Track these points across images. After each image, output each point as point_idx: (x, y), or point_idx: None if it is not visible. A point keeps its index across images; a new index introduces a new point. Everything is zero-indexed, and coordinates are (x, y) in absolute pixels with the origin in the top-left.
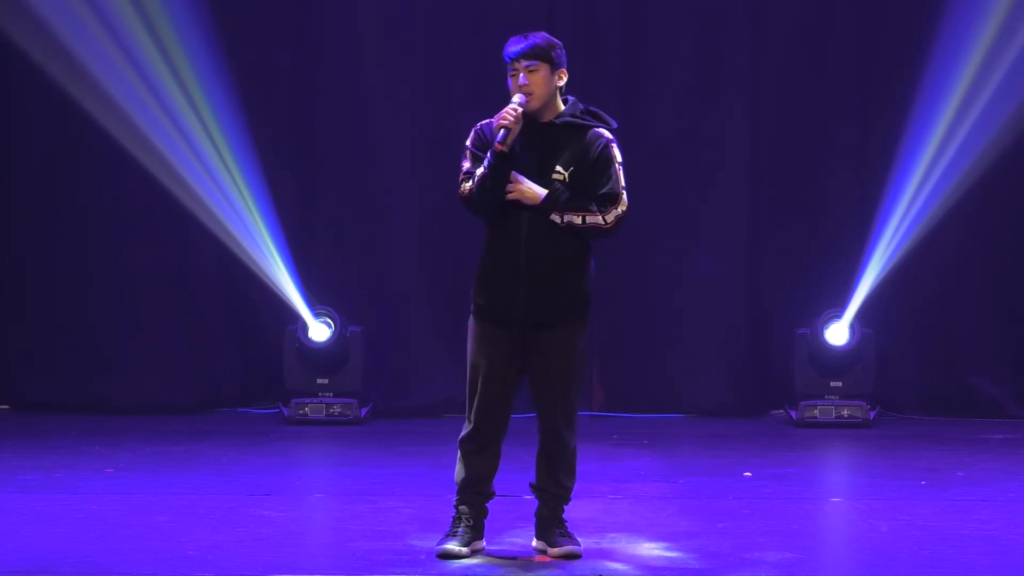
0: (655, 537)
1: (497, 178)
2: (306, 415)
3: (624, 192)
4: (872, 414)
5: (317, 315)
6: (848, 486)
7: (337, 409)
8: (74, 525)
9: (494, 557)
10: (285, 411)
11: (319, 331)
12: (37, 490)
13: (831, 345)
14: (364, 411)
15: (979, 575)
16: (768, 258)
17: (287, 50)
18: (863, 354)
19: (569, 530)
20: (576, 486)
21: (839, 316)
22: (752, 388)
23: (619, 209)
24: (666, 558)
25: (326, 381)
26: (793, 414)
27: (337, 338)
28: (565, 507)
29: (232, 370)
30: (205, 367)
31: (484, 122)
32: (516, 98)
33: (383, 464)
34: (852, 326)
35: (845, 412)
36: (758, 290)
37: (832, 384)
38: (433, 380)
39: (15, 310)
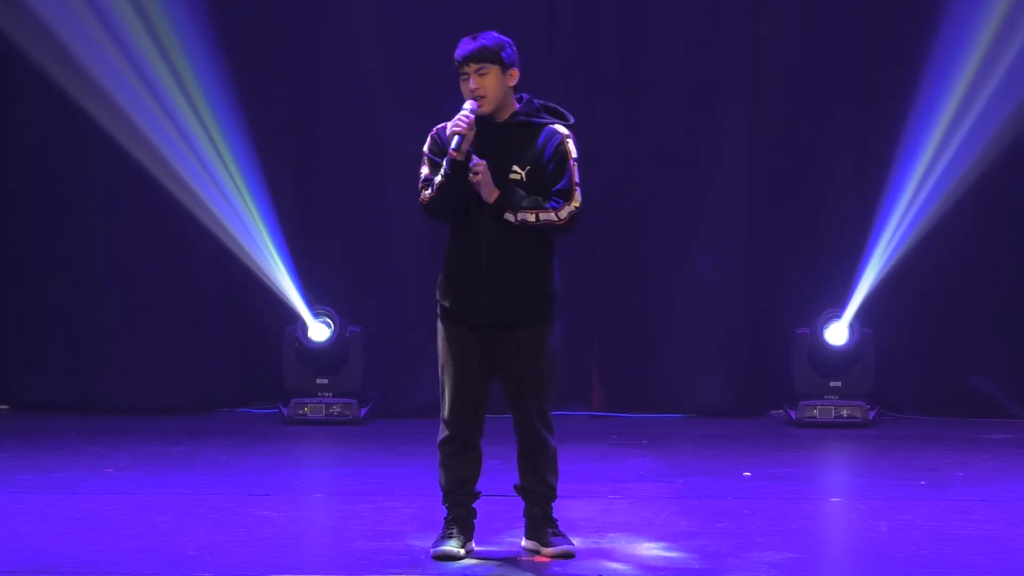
0: (655, 537)
1: (454, 185)
2: (305, 415)
3: (578, 188)
4: (871, 414)
5: (317, 315)
6: (848, 486)
7: (337, 409)
8: (74, 525)
9: (493, 558)
10: (284, 411)
11: (319, 331)
12: (37, 490)
13: (831, 345)
14: (364, 411)
15: (979, 575)
16: (768, 258)
17: (287, 50)
18: (862, 354)
19: (560, 528)
20: (575, 486)
21: (839, 316)
22: (752, 388)
23: (572, 205)
24: (666, 558)
25: (326, 381)
26: (793, 414)
27: (337, 338)
28: (553, 505)
29: (232, 370)
30: (205, 367)
31: (440, 126)
32: (468, 104)
33: (383, 464)
34: (852, 326)
35: (844, 412)
36: (758, 290)
37: (832, 384)
38: (433, 380)
39: (15, 310)
